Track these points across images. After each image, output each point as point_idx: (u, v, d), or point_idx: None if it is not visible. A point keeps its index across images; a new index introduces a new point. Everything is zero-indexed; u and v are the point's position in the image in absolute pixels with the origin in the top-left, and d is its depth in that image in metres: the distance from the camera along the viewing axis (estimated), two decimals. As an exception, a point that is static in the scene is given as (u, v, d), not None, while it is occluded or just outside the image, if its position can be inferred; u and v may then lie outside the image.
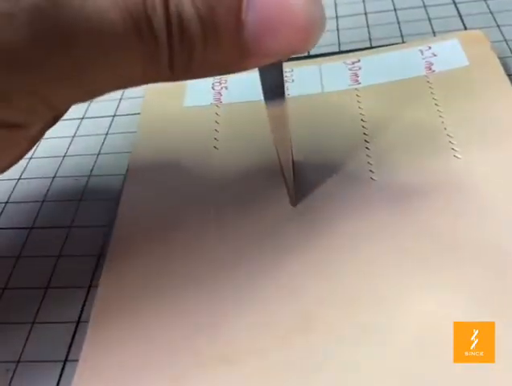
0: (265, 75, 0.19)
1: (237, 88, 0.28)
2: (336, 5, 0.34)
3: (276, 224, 0.21)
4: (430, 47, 0.28)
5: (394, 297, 0.18)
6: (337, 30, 0.32)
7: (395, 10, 0.32)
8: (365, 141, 0.24)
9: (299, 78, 0.28)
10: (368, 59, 0.28)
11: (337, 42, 0.31)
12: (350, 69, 0.27)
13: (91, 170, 0.26)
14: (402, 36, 0.30)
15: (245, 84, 0.28)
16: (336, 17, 0.33)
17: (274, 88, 0.19)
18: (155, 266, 0.20)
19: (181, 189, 0.23)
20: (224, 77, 0.28)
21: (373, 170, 0.22)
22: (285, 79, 0.27)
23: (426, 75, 0.26)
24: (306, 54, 0.30)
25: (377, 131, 0.24)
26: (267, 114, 0.20)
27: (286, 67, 0.28)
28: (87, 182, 0.25)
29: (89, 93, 0.16)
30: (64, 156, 0.27)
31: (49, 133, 0.19)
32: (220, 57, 0.16)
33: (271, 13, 0.16)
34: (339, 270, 0.19)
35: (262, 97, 0.20)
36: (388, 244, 0.20)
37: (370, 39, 0.30)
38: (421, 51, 0.28)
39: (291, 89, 0.27)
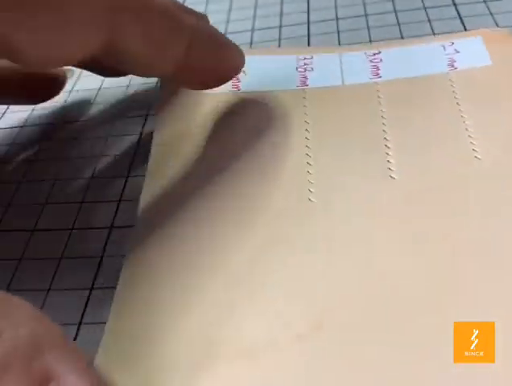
0: None
1: (255, 74, 0.27)
2: (336, 7, 0.34)
3: (292, 222, 0.21)
4: (453, 43, 0.27)
5: (397, 297, 0.18)
6: (338, 32, 0.32)
7: (395, 11, 0.32)
8: (385, 138, 0.23)
9: (319, 67, 0.27)
10: (389, 52, 0.28)
11: (338, 43, 0.31)
12: (371, 61, 0.27)
13: (92, 174, 0.26)
14: (402, 37, 0.30)
15: (264, 71, 0.27)
16: (337, 19, 0.33)
17: None
18: (176, 255, 0.20)
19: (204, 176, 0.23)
20: None
21: (393, 168, 0.22)
22: (300, 64, 0.27)
23: (448, 73, 0.26)
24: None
25: (397, 127, 0.24)
26: None
27: (306, 52, 0.28)
28: (88, 184, 0.25)
29: None
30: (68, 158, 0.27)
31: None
32: None
33: None
34: (353, 268, 0.19)
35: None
36: (401, 242, 0.20)
37: (371, 41, 0.30)
38: (443, 47, 0.27)
39: (311, 79, 0.27)
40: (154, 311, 0.19)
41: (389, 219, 0.20)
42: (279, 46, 0.32)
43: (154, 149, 0.25)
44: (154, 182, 0.23)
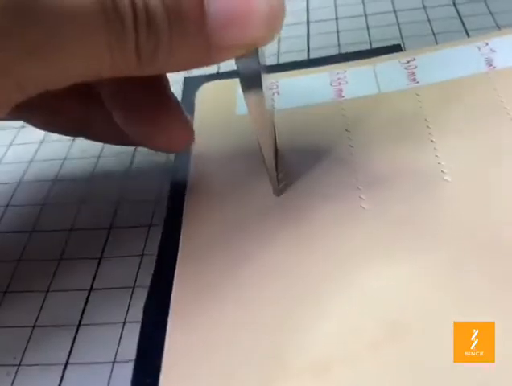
0: (241, 65, 0.19)
1: (289, 93, 0.26)
2: (336, 6, 0.34)
3: (350, 232, 0.20)
4: (487, 43, 0.27)
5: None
6: (337, 32, 0.32)
7: (395, 11, 0.32)
8: (432, 141, 0.23)
9: (354, 79, 0.27)
10: (423, 58, 0.27)
11: (337, 44, 0.31)
12: (406, 68, 0.27)
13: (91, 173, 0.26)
14: (402, 38, 0.30)
15: (297, 89, 0.27)
16: (336, 18, 0.33)
17: (251, 78, 0.19)
18: (241, 271, 0.20)
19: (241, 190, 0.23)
20: (275, 82, 0.28)
21: (445, 171, 0.22)
22: (334, 78, 0.27)
23: (487, 72, 0.26)
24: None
25: (442, 129, 0.23)
26: (246, 102, 0.20)
27: (339, 68, 0.28)
28: (87, 185, 0.25)
29: (58, 77, 0.16)
30: (65, 159, 0.27)
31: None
32: (186, 49, 0.17)
33: (233, 4, 0.17)
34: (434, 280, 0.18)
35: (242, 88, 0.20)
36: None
37: (370, 41, 0.30)
38: (478, 48, 0.27)
39: (346, 90, 0.26)
40: (220, 329, 0.18)
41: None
42: (278, 45, 0.32)
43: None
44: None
